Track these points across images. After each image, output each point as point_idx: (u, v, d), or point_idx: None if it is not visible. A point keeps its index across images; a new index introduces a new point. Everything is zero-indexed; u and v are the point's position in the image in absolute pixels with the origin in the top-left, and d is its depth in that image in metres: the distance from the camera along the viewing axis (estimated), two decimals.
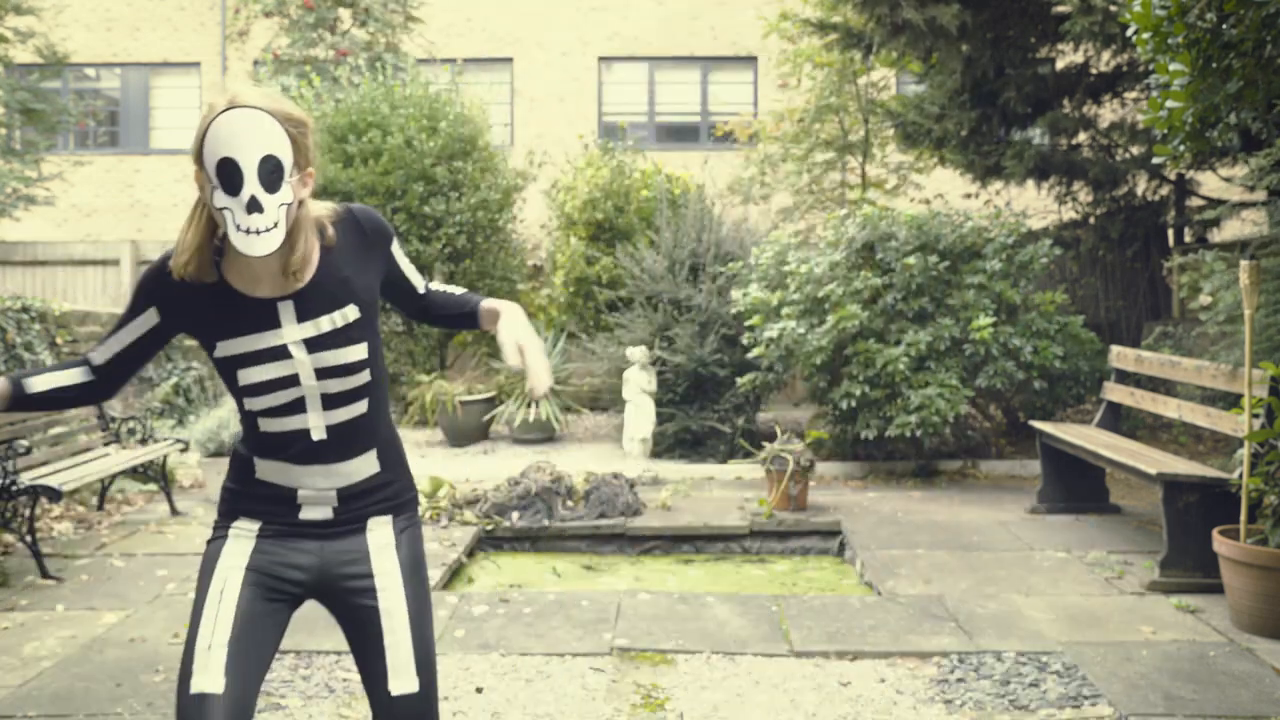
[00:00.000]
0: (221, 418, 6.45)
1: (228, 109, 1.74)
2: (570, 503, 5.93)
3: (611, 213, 9.90)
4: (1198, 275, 6.39)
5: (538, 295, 11.30)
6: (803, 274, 7.31)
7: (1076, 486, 6.01)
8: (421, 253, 9.71)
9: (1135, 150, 9.19)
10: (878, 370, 6.94)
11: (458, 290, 2.15)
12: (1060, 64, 9.71)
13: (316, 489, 1.92)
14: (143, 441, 6.31)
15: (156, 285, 1.86)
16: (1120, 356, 6.04)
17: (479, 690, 3.42)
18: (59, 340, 7.52)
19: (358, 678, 3.54)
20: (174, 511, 6.12)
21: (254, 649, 1.83)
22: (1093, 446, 5.32)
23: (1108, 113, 9.94)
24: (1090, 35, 8.15)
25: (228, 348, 1.85)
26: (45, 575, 4.74)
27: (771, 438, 6.79)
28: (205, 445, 6.70)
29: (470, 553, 5.49)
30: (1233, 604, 4.02)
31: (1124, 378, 6.07)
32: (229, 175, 1.72)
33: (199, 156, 1.74)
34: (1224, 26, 3.99)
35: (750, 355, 7.63)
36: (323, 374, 1.87)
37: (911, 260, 6.98)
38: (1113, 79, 9.23)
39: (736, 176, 12.66)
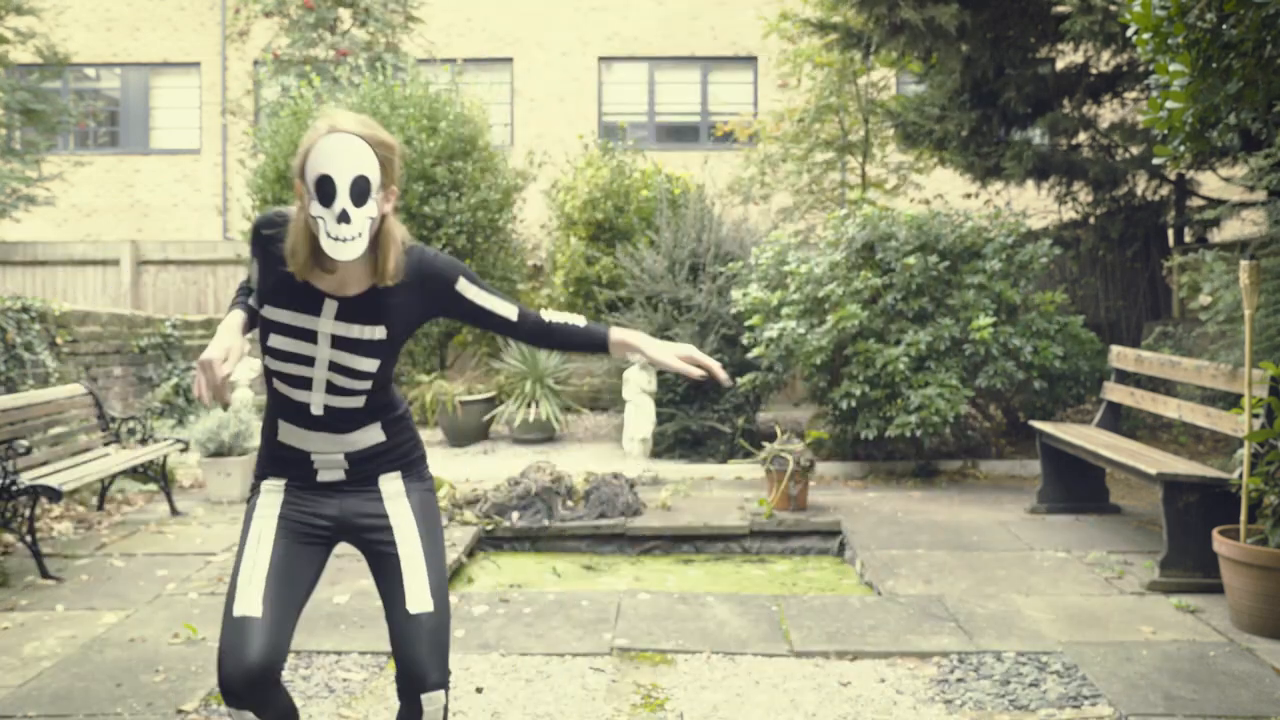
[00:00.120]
0: (221, 418, 6.45)
1: (329, 133, 2.02)
2: (570, 503, 5.93)
3: (611, 213, 9.90)
4: (1198, 275, 6.39)
5: (538, 295, 11.30)
6: (803, 274, 7.31)
7: (1076, 486, 6.01)
8: None
9: (1135, 150, 9.19)
10: (878, 370, 6.94)
11: (581, 322, 2.32)
12: (1060, 64, 9.71)
13: (326, 453, 2.21)
14: (143, 441, 6.31)
15: (264, 235, 2.14)
16: (1120, 356, 6.04)
17: (479, 690, 3.42)
18: (59, 340, 7.52)
19: (358, 677, 3.54)
20: (174, 511, 6.12)
21: (290, 582, 2.14)
22: (1093, 446, 5.32)
23: (1108, 113, 9.94)
24: (1090, 35, 8.15)
25: (272, 312, 2.13)
26: (45, 575, 4.74)
27: (771, 438, 6.79)
28: (205, 445, 6.68)
29: (470, 553, 5.49)
30: (1233, 604, 4.02)
31: (1124, 378, 6.07)
32: (325, 190, 2.00)
33: (301, 173, 2.04)
34: (1224, 26, 3.99)
35: (750, 355, 7.63)
36: (334, 368, 2.14)
37: (911, 260, 6.98)
38: (1113, 79, 9.23)
39: (736, 176, 12.66)
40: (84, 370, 7.91)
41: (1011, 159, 8.76)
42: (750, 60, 15.96)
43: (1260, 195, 7.95)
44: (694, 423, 8.11)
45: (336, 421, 2.18)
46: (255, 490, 2.26)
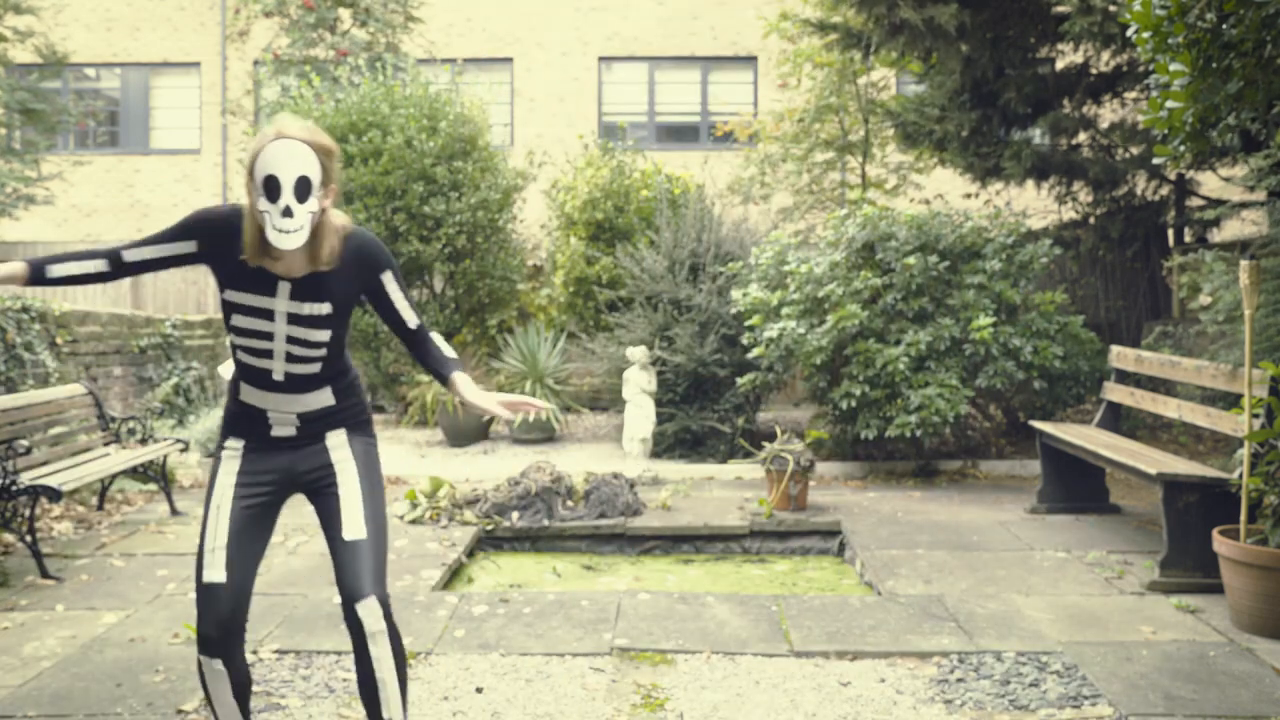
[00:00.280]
0: (221, 418, 6.45)
1: (276, 138, 2.29)
2: (570, 503, 5.93)
3: (611, 213, 9.90)
4: (1198, 275, 6.39)
5: (538, 295, 11.30)
6: (803, 274, 7.31)
7: (1076, 486, 6.01)
8: (421, 253, 9.70)
9: (1135, 150, 9.19)
10: (878, 370, 6.94)
11: (449, 352, 2.63)
12: (1060, 64, 9.71)
13: (281, 411, 2.53)
14: (143, 441, 6.31)
15: (209, 227, 2.42)
16: (1120, 356, 6.03)
17: (479, 690, 3.42)
18: (59, 340, 7.51)
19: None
20: (174, 511, 6.12)
21: (247, 546, 2.47)
22: (1093, 446, 5.32)
23: (1108, 113, 9.94)
24: (1090, 35, 8.15)
25: (233, 296, 2.43)
26: (45, 575, 4.73)
27: (771, 438, 6.79)
28: (205, 445, 6.68)
29: (470, 553, 5.48)
30: (1233, 604, 4.02)
31: (1124, 378, 6.07)
32: (271, 188, 2.28)
33: (251, 172, 2.30)
34: (1224, 26, 3.99)
35: (750, 355, 7.63)
36: (290, 340, 2.46)
37: (911, 260, 6.98)
38: (1113, 79, 9.23)
39: (736, 176, 12.66)
40: (84, 370, 7.91)
41: (1011, 159, 8.76)
42: (750, 60, 15.96)
43: (1260, 195, 7.95)
44: (694, 423, 8.11)
45: (294, 385, 2.50)
46: (219, 451, 2.57)
